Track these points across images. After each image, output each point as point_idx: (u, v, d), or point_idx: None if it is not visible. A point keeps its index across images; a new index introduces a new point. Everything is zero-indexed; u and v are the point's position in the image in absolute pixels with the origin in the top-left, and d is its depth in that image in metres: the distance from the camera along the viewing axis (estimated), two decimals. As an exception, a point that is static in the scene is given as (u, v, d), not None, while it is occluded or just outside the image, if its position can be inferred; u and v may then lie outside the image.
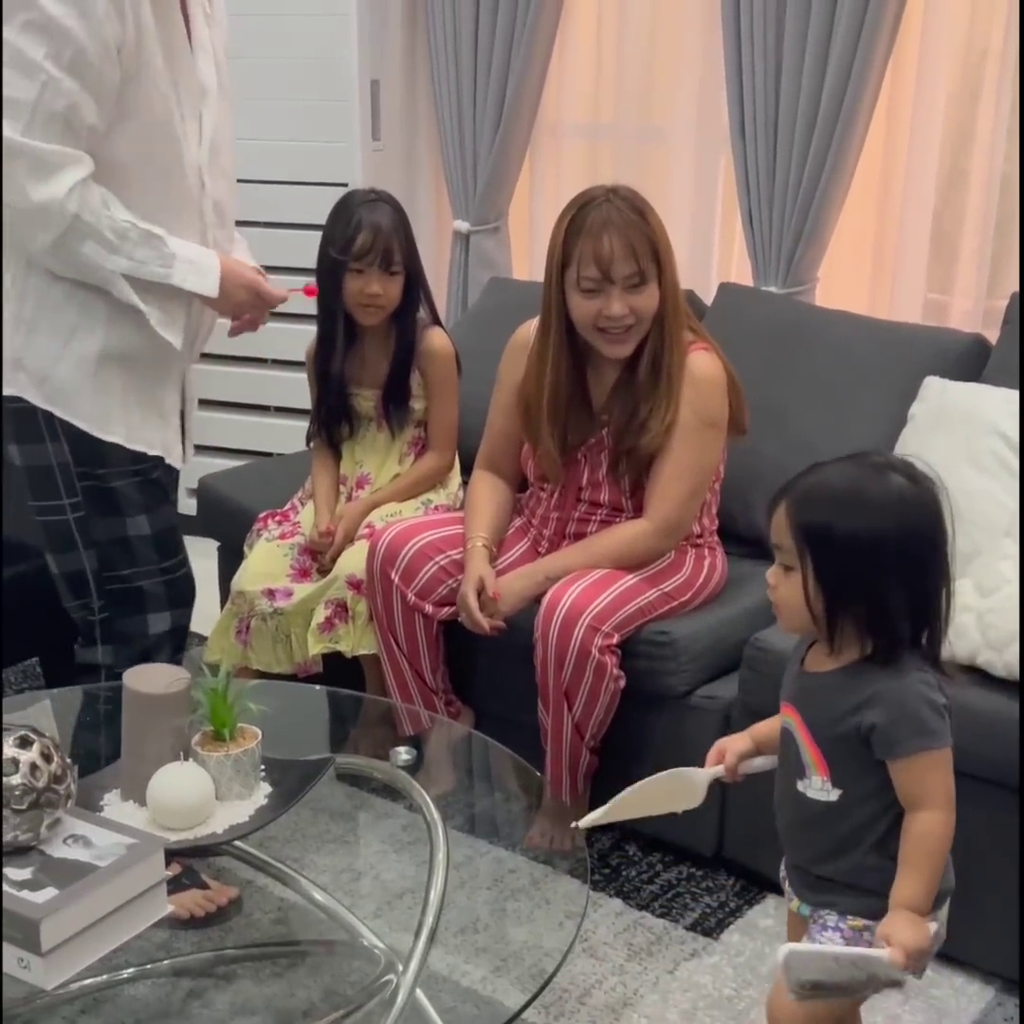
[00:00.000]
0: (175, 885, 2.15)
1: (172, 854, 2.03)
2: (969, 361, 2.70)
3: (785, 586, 1.62)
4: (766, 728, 1.82)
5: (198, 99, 2.18)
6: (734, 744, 1.83)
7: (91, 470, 2.20)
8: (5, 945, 1.50)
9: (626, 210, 2.40)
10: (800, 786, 1.67)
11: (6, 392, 2.15)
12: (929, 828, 1.57)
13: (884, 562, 1.54)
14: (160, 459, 2.27)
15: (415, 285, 2.86)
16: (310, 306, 2.85)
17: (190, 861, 2.14)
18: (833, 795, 1.63)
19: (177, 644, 2.36)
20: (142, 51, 2.02)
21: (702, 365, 2.49)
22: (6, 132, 1.95)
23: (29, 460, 2.20)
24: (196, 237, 2.20)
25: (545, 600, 2.43)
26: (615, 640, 2.41)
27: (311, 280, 2.71)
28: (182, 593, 2.36)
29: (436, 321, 2.94)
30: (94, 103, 1.98)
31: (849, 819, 1.63)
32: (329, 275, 2.81)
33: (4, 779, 1.54)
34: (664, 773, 1.81)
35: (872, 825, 1.62)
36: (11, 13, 1.93)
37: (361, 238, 2.76)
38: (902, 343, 2.78)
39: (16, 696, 3.04)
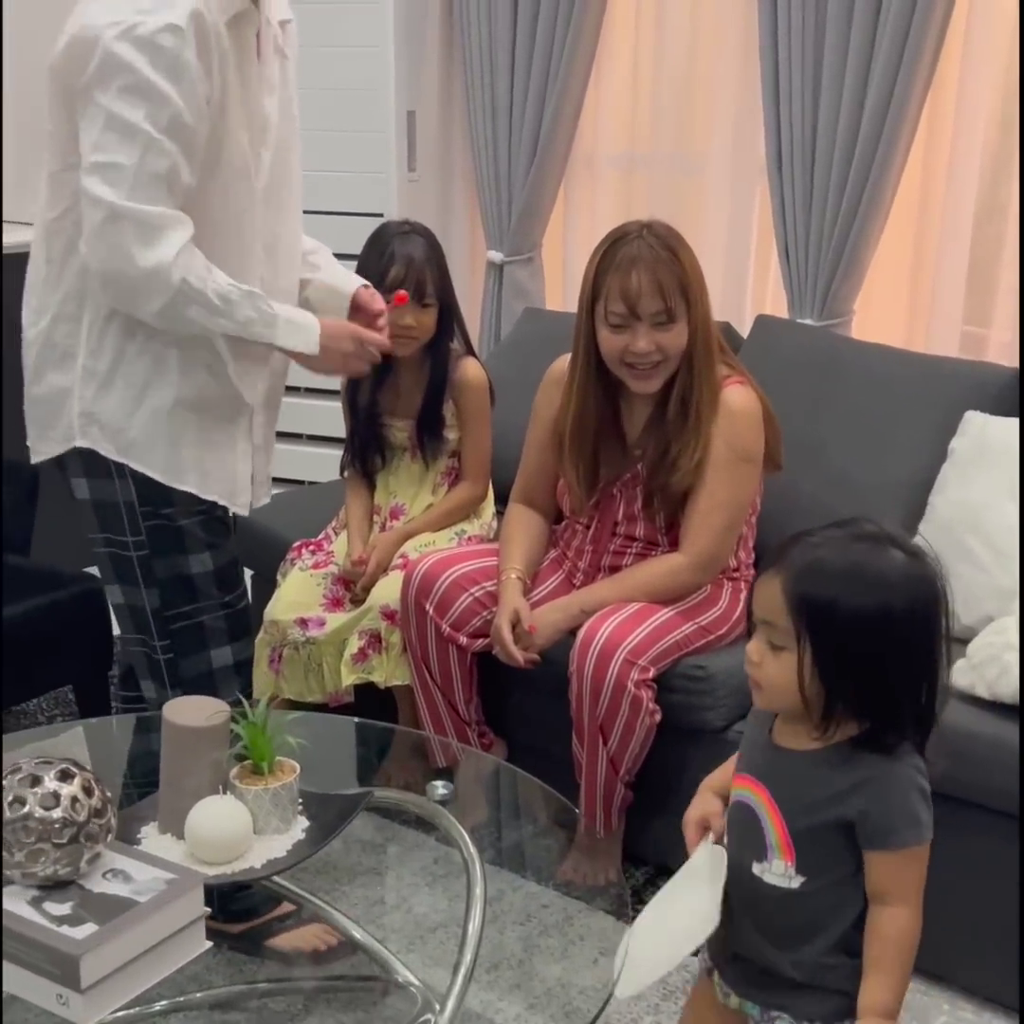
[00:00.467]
0: (296, 920, 2.22)
1: (283, 896, 2.11)
2: (1009, 395, 2.68)
3: (773, 665, 1.51)
4: (721, 780, 1.73)
5: (260, 137, 2.18)
6: (711, 808, 1.70)
7: (157, 510, 2.18)
8: (42, 980, 1.49)
9: (658, 247, 2.40)
10: (756, 869, 1.56)
11: (80, 444, 2.15)
12: (903, 926, 1.49)
13: (891, 641, 1.47)
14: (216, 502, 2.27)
15: (449, 316, 2.86)
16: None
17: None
18: (795, 882, 1.53)
19: (244, 677, 2.33)
20: (226, 103, 2.04)
21: (737, 399, 2.48)
22: (110, 197, 1.95)
23: (96, 494, 2.19)
24: (252, 276, 2.19)
25: (581, 633, 2.42)
26: (651, 674, 2.39)
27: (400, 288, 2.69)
28: (243, 625, 2.34)
29: (470, 351, 2.94)
30: (188, 162, 1.99)
31: (809, 909, 1.53)
32: None
33: (45, 813, 1.53)
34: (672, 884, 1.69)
35: (835, 917, 1.52)
36: (107, 79, 1.93)
37: (394, 270, 2.76)
38: (941, 377, 2.76)
39: (50, 726, 3.05)
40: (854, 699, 1.49)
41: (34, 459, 2.26)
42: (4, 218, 3.71)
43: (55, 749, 2.24)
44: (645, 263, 2.38)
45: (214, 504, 2.23)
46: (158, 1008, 2.10)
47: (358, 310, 2.38)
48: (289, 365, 2.30)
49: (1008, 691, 2.16)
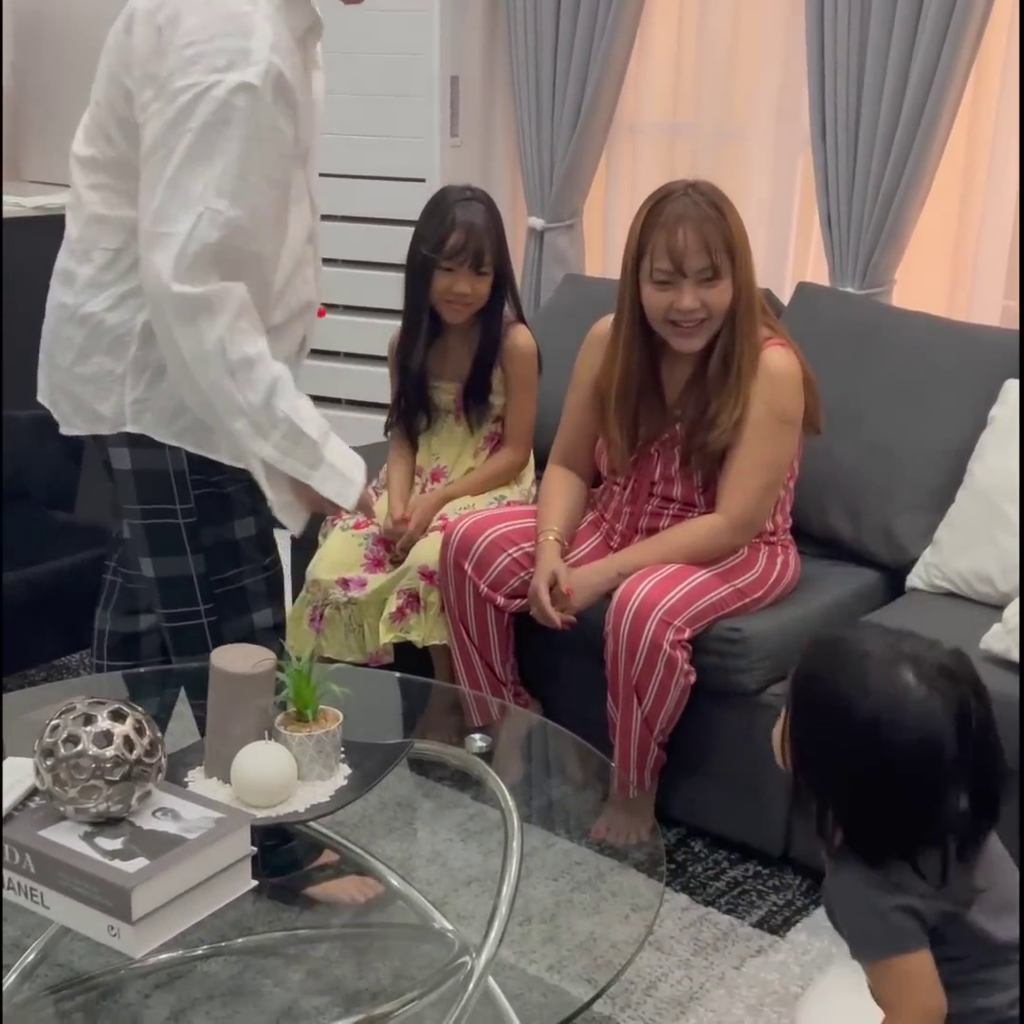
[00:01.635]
0: (337, 872, 2.24)
1: (324, 844, 2.12)
2: (1050, 365, 2.68)
3: (779, 721, 1.54)
4: None
5: (312, 136, 2.17)
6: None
7: (207, 477, 2.19)
8: (94, 912, 1.53)
9: (703, 205, 2.41)
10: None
11: (131, 429, 2.14)
12: None
13: (844, 742, 1.44)
14: None
15: (503, 284, 2.88)
16: (383, 300, 2.86)
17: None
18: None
19: (280, 637, 2.36)
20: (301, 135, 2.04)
21: (778, 361, 2.49)
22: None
23: (141, 465, 2.18)
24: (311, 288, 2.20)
25: (617, 594, 2.44)
26: (686, 635, 2.42)
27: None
28: (280, 586, 2.37)
29: (521, 319, 2.95)
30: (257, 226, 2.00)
31: None
32: (419, 271, 2.84)
33: (99, 751, 1.57)
34: None
35: None
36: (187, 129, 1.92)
37: (454, 238, 2.77)
38: (982, 346, 2.77)
39: (90, 676, 3.10)
40: (808, 779, 1.49)
41: (65, 430, 2.24)
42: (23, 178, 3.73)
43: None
44: (691, 220, 2.39)
45: None
46: (200, 951, 2.15)
47: None
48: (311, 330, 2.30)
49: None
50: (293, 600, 3.02)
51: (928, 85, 3.04)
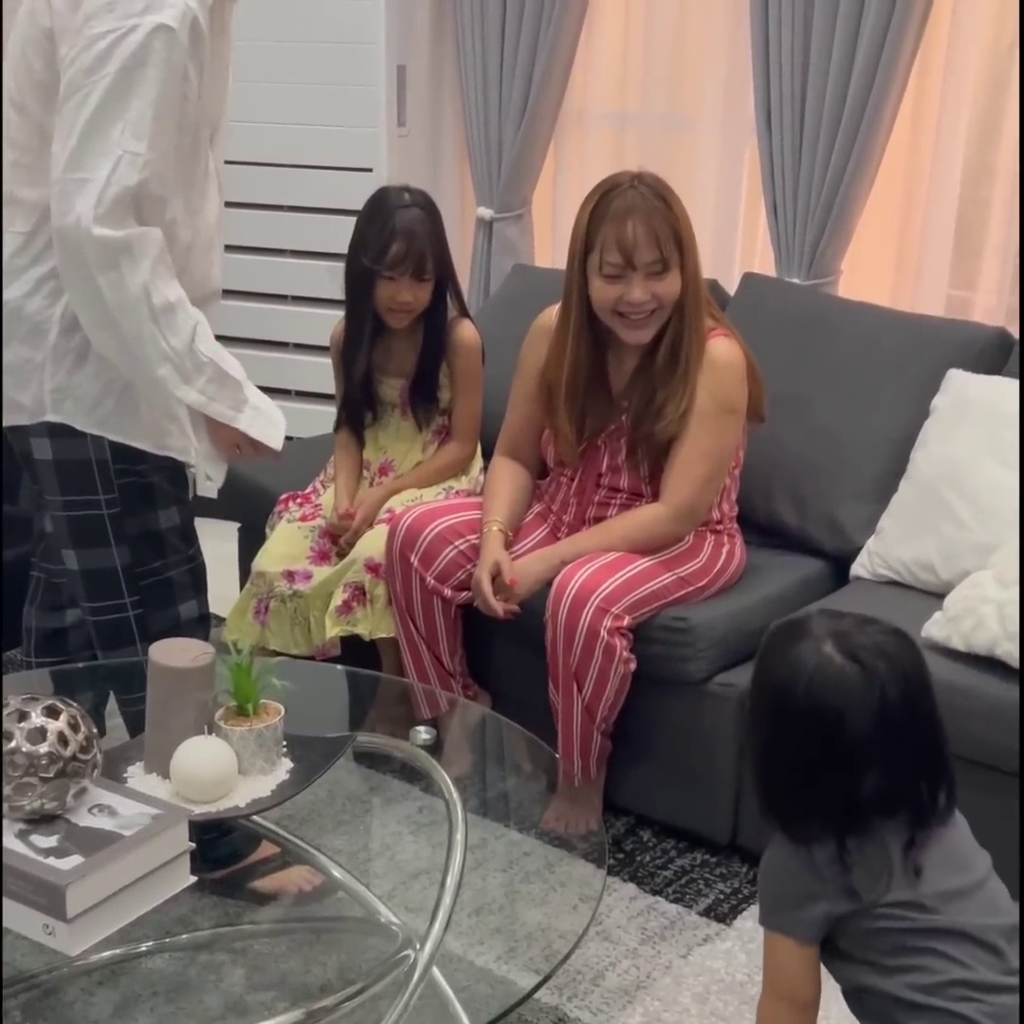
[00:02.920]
0: (279, 864, 2.21)
1: (268, 838, 2.11)
2: (992, 355, 2.70)
3: None
4: None
5: (220, 104, 2.16)
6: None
7: (131, 466, 2.17)
8: (29, 911, 1.51)
9: (650, 197, 2.41)
10: None
11: (51, 419, 2.12)
12: (757, 1012, 1.57)
13: (765, 716, 1.51)
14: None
15: (444, 287, 2.87)
16: (328, 291, 2.85)
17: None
18: None
19: (206, 629, 2.37)
20: (205, 92, 2.03)
21: (722, 351, 2.50)
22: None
23: (63, 454, 2.15)
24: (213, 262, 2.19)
25: (556, 581, 2.45)
26: (625, 622, 2.42)
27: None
28: (202, 578, 2.37)
29: (464, 313, 2.94)
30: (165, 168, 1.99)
31: None
32: (360, 280, 2.82)
33: (32, 748, 1.55)
34: None
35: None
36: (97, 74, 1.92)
37: (395, 247, 2.76)
38: (926, 335, 2.78)
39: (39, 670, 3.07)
40: (751, 758, 1.56)
41: None
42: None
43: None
44: (640, 212, 2.39)
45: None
46: (144, 948, 2.13)
47: None
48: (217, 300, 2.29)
49: (983, 643, 2.18)
50: (239, 591, 3.00)
51: (872, 74, 3.05)
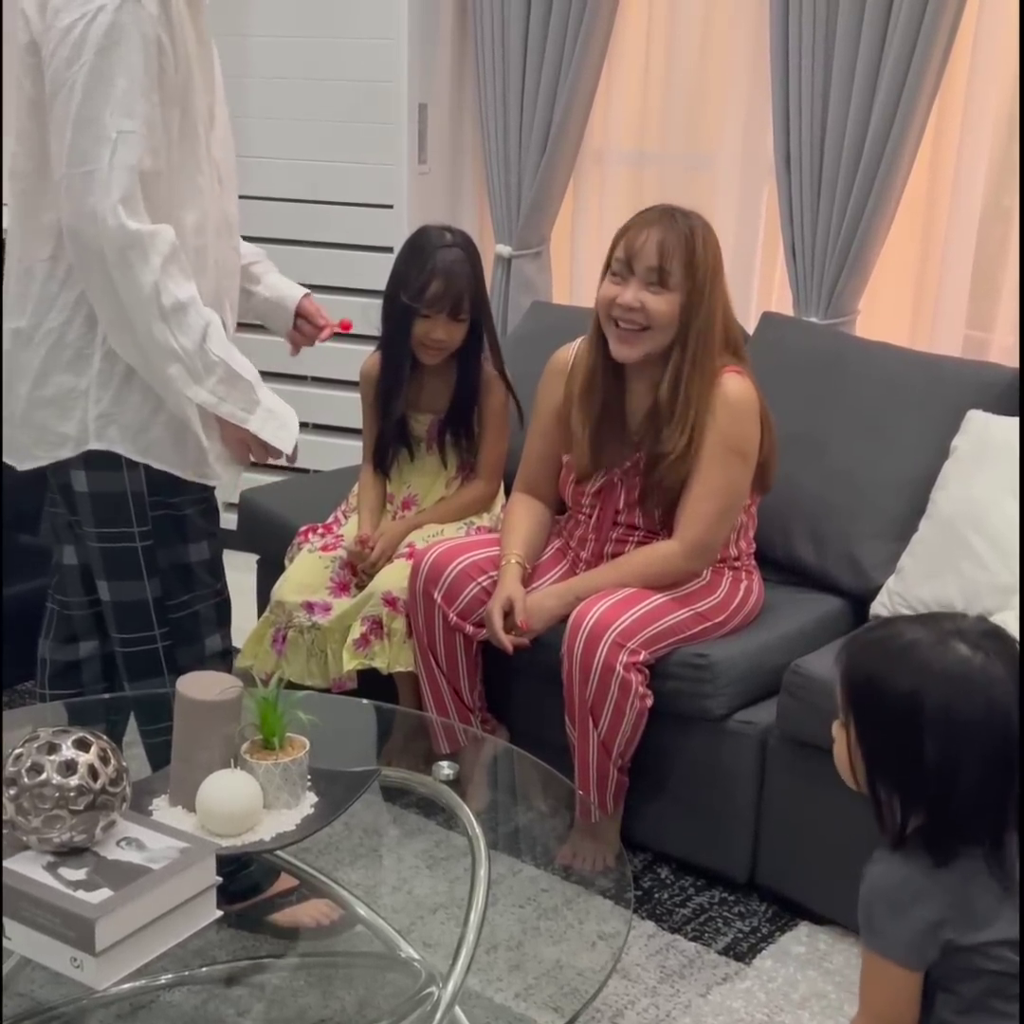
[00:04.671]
0: (298, 896, 2.23)
1: (289, 872, 2.12)
2: (1011, 396, 2.71)
3: (839, 742, 1.54)
4: None
5: (212, 97, 2.16)
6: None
7: (166, 499, 2.18)
8: (58, 944, 1.52)
9: (679, 218, 2.47)
10: None
11: (95, 447, 2.12)
12: None
13: (917, 735, 1.42)
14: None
15: (480, 328, 2.89)
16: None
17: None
18: None
19: (228, 663, 2.37)
20: (190, 69, 2.03)
21: (733, 387, 2.50)
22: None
23: (99, 487, 2.16)
24: (207, 259, 2.16)
25: (572, 616, 2.46)
26: (641, 657, 2.42)
27: (347, 316, 2.64)
28: (227, 612, 2.37)
29: (498, 361, 2.96)
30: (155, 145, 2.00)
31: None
32: (399, 317, 2.84)
33: (63, 780, 1.56)
34: None
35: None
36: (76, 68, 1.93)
37: (434, 286, 2.78)
38: (945, 376, 2.79)
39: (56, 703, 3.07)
40: (888, 785, 1.47)
41: (23, 466, 2.20)
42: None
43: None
44: (659, 225, 2.45)
45: (212, 491, 2.25)
46: (163, 981, 2.13)
47: (302, 318, 2.44)
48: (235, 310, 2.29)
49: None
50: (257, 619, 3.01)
51: (891, 117, 3.08)
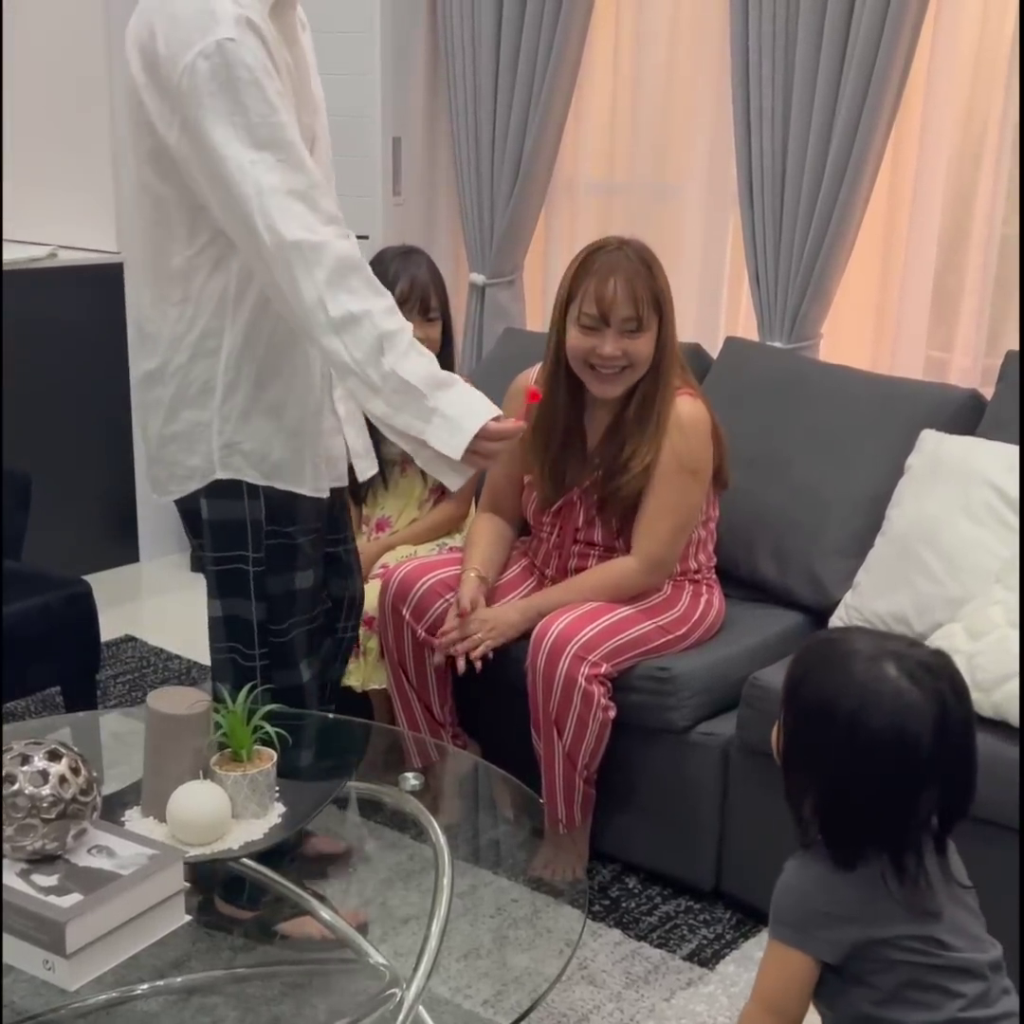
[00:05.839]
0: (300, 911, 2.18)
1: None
2: (965, 416, 2.79)
3: (775, 728, 1.62)
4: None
5: (314, 118, 2.21)
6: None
7: (282, 528, 2.23)
8: (30, 947, 1.58)
9: (635, 260, 2.51)
10: None
11: (221, 476, 2.18)
12: (740, 1016, 1.59)
13: (826, 740, 1.51)
14: (324, 514, 2.33)
15: (449, 333, 2.97)
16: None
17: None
18: None
19: (325, 689, 2.41)
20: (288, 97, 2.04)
21: (687, 409, 2.58)
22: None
23: (219, 514, 2.22)
24: None
25: (535, 630, 2.52)
26: (603, 670, 2.48)
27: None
28: (319, 640, 2.41)
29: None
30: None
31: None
32: None
33: (35, 790, 1.62)
34: None
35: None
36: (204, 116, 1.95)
37: (399, 287, 2.85)
38: (901, 397, 2.87)
39: (36, 721, 3.13)
40: (798, 782, 1.56)
41: (165, 498, 2.28)
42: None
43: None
44: (623, 272, 2.49)
45: (323, 521, 2.30)
46: (139, 991, 2.18)
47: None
48: None
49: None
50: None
51: (850, 145, 3.17)
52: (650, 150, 3.74)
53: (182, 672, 3.64)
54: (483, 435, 2.03)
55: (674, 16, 3.64)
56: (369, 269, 2.03)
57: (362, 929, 2.21)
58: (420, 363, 2.02)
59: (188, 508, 2.28)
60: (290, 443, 2.20)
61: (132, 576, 4.39)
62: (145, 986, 2.18)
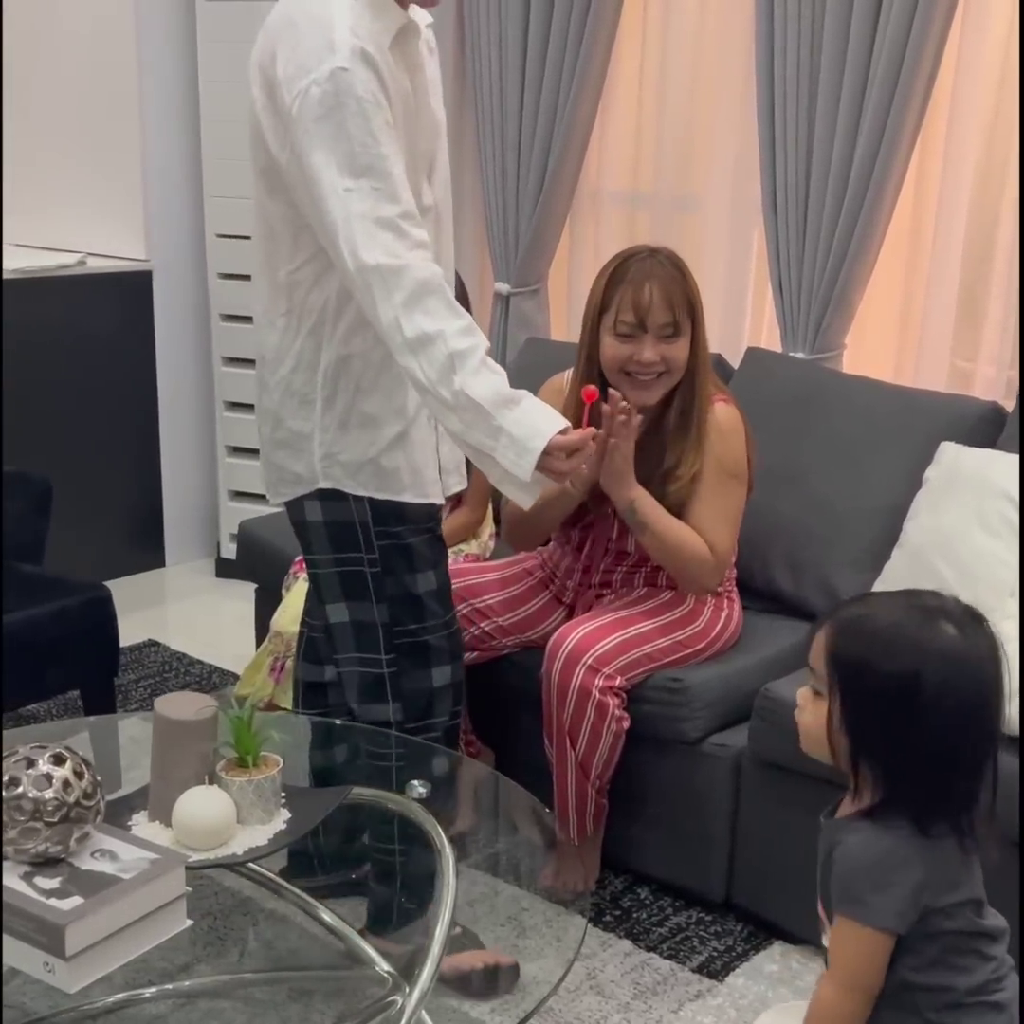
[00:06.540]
0: (457, 946, 2.20)
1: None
2: (985, 428, 2.77)
3: (812, 711, 1.57)
4: None
5: (433, 140, 2.25)
6: None
7: (389, 528, 2.25)
8: (31, 949, 1.59)
9: (668, 266, 2.51)
10: (824, 939, 1.61)
11: (323, 486, 2.23)
12: (818, 999, 1.55)
13: (915, 712, 1.46)
14: (440, 517, 2.35)
15: None
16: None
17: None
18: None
19: (456, 695, 2.39)
20: (399, 125, 2.08)
21: (725, 416, 2.58)
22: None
23: (330, 515, 2.26)
24: None
25: (551, 639, 2.52)
26: (618, 682, 2.48)
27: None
28: (460, 644, 2.41)
29: None
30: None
31: None
32: None
33: (38, 793, 1.64)
34: None
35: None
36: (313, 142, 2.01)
37: None
38: (921, 409, 2.86)
39: (54, 723, 3.16)
40: (874, 761, 1.51)
41: (275, 501, 2.35)
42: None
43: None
44: (658, 278, 2.49)
45: (437, 522, 2.32)
46: (148, 994, 2.20)
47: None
48: None
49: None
50: (255, 650, 3.09)
51: (874, 155, 3.16)
52: (674, 161, 3.74)
53: (203, 677, 3.66)
54: (551, 451, 2.02)
55: (699, 29, 3.64)
56: (449, 292, 2.05)
57: (514, 969, 2.21)
58: (489, 381, 2.03)
59: (295, 518, 2.33)
60: (388, 454, 2.22)
61: (157, 581, 4.43)
62: (154, 989, 2.21)
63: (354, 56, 1.99)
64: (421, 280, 2.01)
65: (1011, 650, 2.27)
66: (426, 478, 2.28)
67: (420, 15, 2.20)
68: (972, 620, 1.51)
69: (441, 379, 2.00)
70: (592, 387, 2.28)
